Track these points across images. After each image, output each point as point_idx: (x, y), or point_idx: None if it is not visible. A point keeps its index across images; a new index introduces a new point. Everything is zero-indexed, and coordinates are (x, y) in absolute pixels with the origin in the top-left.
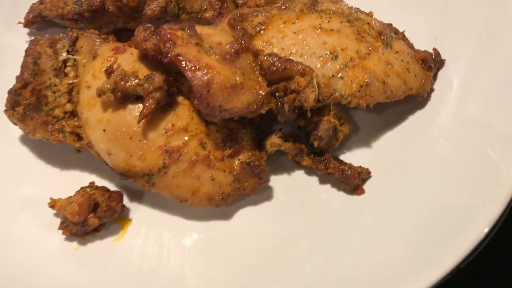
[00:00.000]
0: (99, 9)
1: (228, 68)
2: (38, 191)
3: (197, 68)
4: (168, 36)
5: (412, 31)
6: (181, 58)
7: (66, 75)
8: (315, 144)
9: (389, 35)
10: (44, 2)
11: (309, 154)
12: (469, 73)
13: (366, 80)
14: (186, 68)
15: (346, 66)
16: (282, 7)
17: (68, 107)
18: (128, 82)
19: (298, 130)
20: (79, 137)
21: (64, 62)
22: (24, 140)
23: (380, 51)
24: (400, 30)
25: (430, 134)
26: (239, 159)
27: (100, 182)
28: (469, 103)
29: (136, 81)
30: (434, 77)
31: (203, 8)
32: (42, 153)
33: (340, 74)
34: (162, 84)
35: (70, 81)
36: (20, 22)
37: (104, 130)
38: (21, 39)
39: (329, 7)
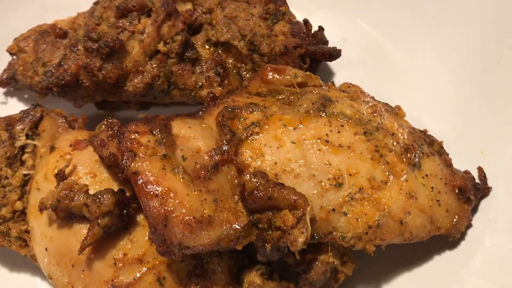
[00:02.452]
0: (71, 84)
1: (196, 196)
2: None
3: (155, 194)
4: (129, 144)
5: (451, 139)
6: (138, 178)
7: (22, 163)
8: None
9: (419, 150)
10: (19, 61)
11: None
12: None
13: (377, 219)
14: (141, 192)
15: (352, 198)
16: (286, 103)
17: (18, 205)
18: (73, 199)
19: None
20: (26, 243)
21: (22, 147)
22: None
23: (402, 177)
24: (439, 139)
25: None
26: None
27: None
28: None
29: (83, 199)
30: (474, 210)
31: (198, 85)
32: None
33: (343, 209)
34: (112, 208)
35: (26, 172)
36: None
37: (46, 249)
38: None
39: (343, 110)
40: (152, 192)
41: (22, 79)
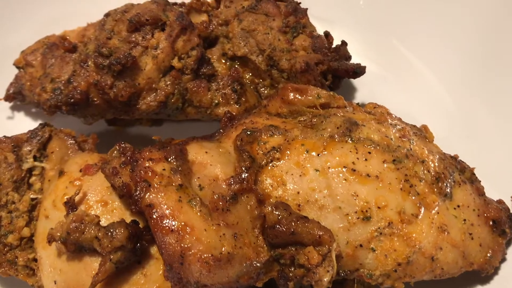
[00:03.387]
0: (80, 102)
1: (214, 231)
2: None
3: (170, 229)
4: (143, 174)
5: (483, 164)
6: (153, 211)
7: (30, 186)
8: None
9: (450, 179)
10: (26, 75)
11: None
12: None
13: (407, 256)
14: (156, 227)
15: (381, 233)
16: (309, 126)
17: (26, 232)
18: (84, 232)
19: None
20: (34, 272)
21: (30, 170)
22: None
23: (434, 209)
24: (470, 164)
25: None
26: None
27: None
28: None
29: (94, 231)
30: (508, 243)
31: (214, 103)
32: None
33: (371, 245)
34: (125, 243)
35: (34, 196)
36: None
37: (55, 282)
38: (2, 114)
39: (369, 135)
40: (167, 227)
41: (30, 95)
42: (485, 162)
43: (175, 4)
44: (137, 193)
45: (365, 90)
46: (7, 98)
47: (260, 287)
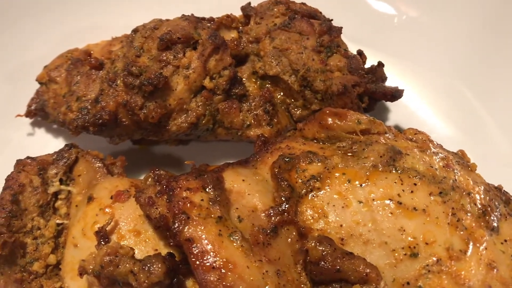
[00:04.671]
0: (109, 123)
1: (257, 267)
2: None
3: (212, 266)
4: (181, 205)
5: None
6: (192, 246)
7: (56, 210)
8: None
9: (496, 212)
10: (49, 92)
11: None
12: None
13: None
14: (197, 263)
15: (429, 271)
16: (349, 153)
17: (52, 259)
18: (118, 265)
19: None
20: None
21: (55, 193)
22: None
23: (482, 245)
24: None
25: None
26: None
27: None
28: None
29: (130, 265)
30: None
31: (245, 124)
32: None
33: (419, 283)
34: (163, 279)
35: (60, 221)
36: (19, 115)
37: None
38: (22, 131)
39: (414, 165)
40: (208, 264)
41: (53, 113)
42: None
43: (204, 19)
44: (175, 226)
45: (396, 111)
46: (28, 114)
47: None
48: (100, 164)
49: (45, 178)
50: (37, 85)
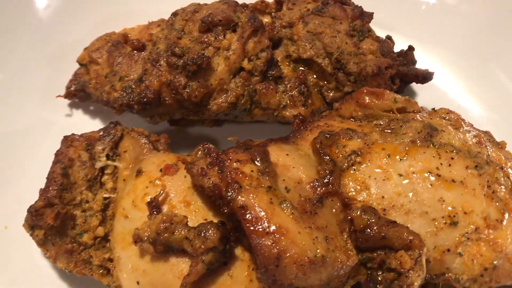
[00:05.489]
0: (152, 102)
1: (307, 233)
2: None
3: (266, 232)
4: (233, 175)
5: None
6: (246, 213)
7: (102, 185)
8: None
9: None
10: (89, 73)
11: None
12: None
13: (494, 261)
14: (251, 229)
15: (468, 238)
16: (387, 129)
17: (100, 231)
18: (174, 232)
19: None
20: (108, 272)
21: (102, 169)
22: None
23: None
24: None
25: None
26: None
27: None
28: None
29: (185, 232)
30: None
31: (281, 105)
32: None
33: (459, 249)
34: (217, 244)
35: (107, 195)
36: (59, 96)
37: (138, 283)
38: (59, 112)
39: (450, 140)
40: (262, 230)
41: (96, 93)
42: None
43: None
44: (229, 194)
45: (424, 94)
46: (67, 95)
47: None
48: (145, 140)
49: (93, 153)
50: (75, 68)
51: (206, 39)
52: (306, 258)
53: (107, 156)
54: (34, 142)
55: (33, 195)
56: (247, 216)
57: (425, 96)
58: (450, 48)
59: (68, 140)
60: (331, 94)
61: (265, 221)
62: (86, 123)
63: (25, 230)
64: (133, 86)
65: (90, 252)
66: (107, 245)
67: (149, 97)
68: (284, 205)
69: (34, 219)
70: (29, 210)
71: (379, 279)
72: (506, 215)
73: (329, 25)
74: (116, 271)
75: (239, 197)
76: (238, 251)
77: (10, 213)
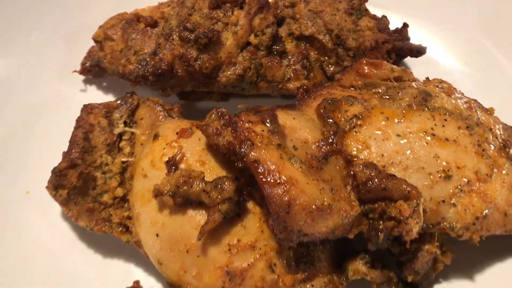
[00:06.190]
0: (166, 73)
1: (315, 184)
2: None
3: (277, 182)
4: (246, 134)
5: None
6: (259, 166)
7: (120, 150)
8: (409, 278)
9: None
10: (104, 50)
11: (399, 285)
12: None
13: (485, 211)
14: (264, 180)
15: (461, 190)
16: (385, 96)
17: (119, 192)
18: (192, 186)
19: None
20: (127, 230)
21: (120, 135)
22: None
23: (504, 171)
24: None
25: None
26: (312, 286)
27: (146, 280)
28: None
29: (202, 186)
30: None
31: (286, 78)
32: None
33: (452, 200)
34: (233, 195)
35: (124, 159)
36: (75, 71)
37: (157, 235)
38: (75, 87)
39: (443, 104)
40: (273, 180)
41: (111, 67)
42: None
43: None
44: (242, 150)
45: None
46: (83, 71)
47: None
48: (160, 108)
49: (111, 120)
50: (89, 47)
51: (215, 15)
52: (314, 205)
53: (125, 123)
54: (52, 113)
55: (52, 162)
56: (260, 169)
57: (419, 69)
58: (442, 24)
59: (88, 108)
60: (331, 68)
61: (276, 173)
62: (100, 98)
63: (48, 192)
64: (148, 59)
65: (110, 211)
66: (125, 205)
67: (163, 68)
68: (293, 160)
69: (58, 179)
70: (53, 171)
71: (380, 227)
72: (495, 170)
73: (329, 4)
74: (135, 227)
75: (252, 152)
76: (250, 205)
77: (31, 179)
